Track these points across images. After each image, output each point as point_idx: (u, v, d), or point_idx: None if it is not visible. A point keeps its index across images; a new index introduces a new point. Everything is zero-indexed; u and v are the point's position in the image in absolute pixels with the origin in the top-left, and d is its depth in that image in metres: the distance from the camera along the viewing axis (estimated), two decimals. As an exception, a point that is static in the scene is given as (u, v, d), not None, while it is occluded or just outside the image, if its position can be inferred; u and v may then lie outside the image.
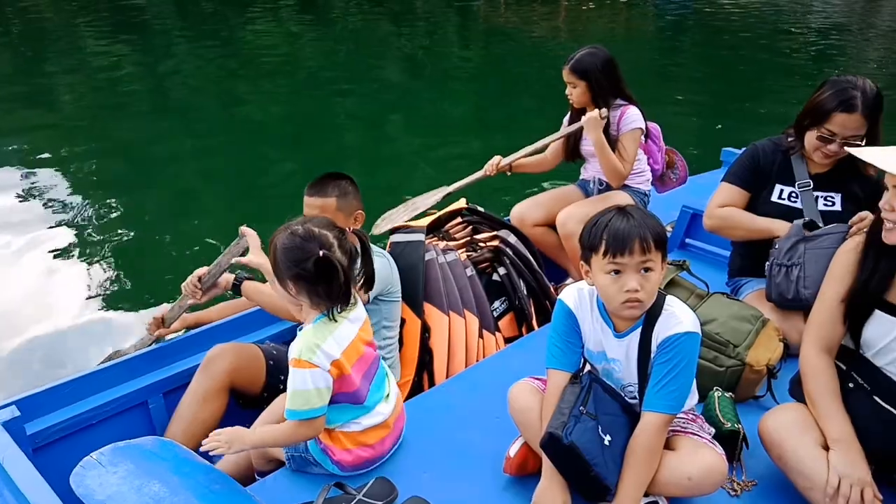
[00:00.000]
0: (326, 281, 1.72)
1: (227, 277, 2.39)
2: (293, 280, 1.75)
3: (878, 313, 1.73)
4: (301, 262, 1.71)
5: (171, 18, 14.52)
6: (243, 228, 2.20)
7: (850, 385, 1.77)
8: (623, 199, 3.39)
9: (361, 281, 2.02)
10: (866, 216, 2.19)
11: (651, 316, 1.72)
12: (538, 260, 3.10)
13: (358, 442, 1.86)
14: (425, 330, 2.66)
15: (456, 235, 3.01)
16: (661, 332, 1.69)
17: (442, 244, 2.87)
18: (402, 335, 2.62)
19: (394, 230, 2.80)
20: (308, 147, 7.24)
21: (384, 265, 2.46)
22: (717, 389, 2.08)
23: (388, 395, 1.94)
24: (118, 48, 11.29)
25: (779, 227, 2.48)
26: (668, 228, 3.42)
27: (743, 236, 2.66)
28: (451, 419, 2.11)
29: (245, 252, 2.19)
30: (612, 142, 3.23)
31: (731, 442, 1.91)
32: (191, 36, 12.70)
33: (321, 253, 1.70)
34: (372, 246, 2.51)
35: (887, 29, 14.81)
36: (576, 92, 3.21)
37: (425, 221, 2.91)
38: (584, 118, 3.11)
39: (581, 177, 3.68)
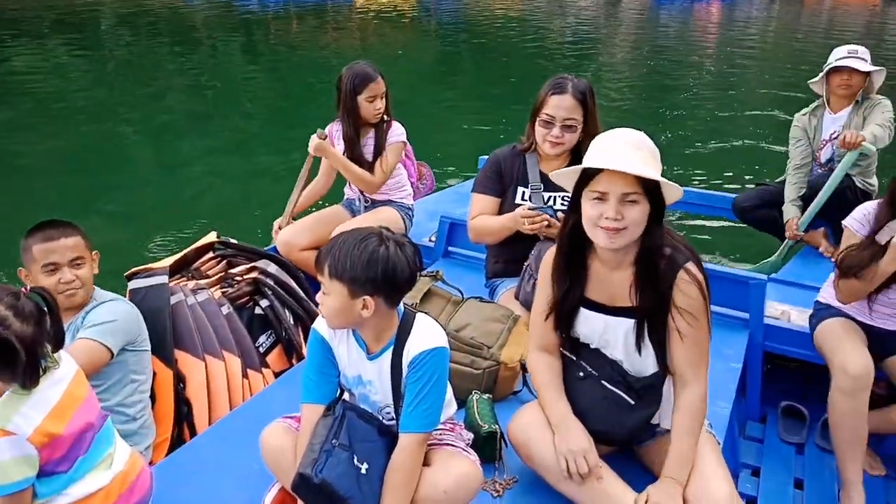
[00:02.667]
0: (5, 362, 1.47)
1: None
2: None
3: (583, 311, 1.85)
4: None
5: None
6: None
7: (581, 374, 1.87)
8: (389, 214, 3.43)
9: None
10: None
11: (401, 335, 1.70)
12: (303, 285, 3.00)
13: None
14: (179, 380, 2.44)
15: (208, 272, 2.81)
16: (411, 351, 1.68)
17: (191, 284, 2.66)
18: (152, 390, 2.38)
19: (131, 276, 2.54)
20: (87, 182, 6.48)
21: (128, 311, 2.23)
22: (475, 392, 2.12)
23: (110, 461, 1.71)
24: None
25: (507, 220, 2.61)
26: (432, 239, 3.49)
27: (494, 239, 2.77)
28: (206, 475, 1.93)
29: None
30: (380, 151, 3.34)
31: (491, 442, 1.95)
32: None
33: None
34: (107, 293, 2.27)
35: (628, 38, 16.81)
36: (384, 103, 3.32)
37: (168, 261, 2.67)
38: (313, 147, 3.26)
39: (346, 196, 3.66)
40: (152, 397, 2.37)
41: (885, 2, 22.54)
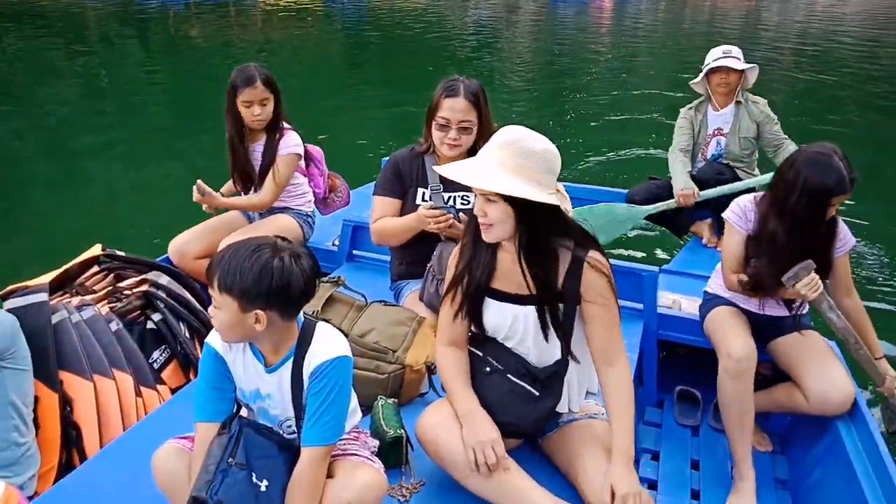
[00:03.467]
0: None
1: None
2: None
3: (489, 301, 1.88)
4: None
5: None
6: None
7: (487, 369, 1.90)
8: (286, 221, 3.35)
9: None
10: None
11: (301, 345, 1.66)
12: (199, 296, 2.88)
13: None
14: (66, 403, 2.29)
15: (94, 287, 2.65)
16: (312, 361, 1.64)
17: (75, 300, 2.50)
18: (36, 416, 2.22)
19: (6, 295, 2.36)
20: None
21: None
22: (380, 398, 2.09)
23: None
24: None
25: (411, 220, 2.60)
26: (336, 243, 3.44)
27: (398, 241, 2.75)
28: (96, 503, 1.82)
29: None
30: (271, 163, 3.22)
31: (397, 448, 1.94)
32: None
33: None
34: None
35: (529, 30, 17.21)
36: (268, 108, 3.16)
37: (48, 277, 2.51)
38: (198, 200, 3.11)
39: (243, 202, 3.54)
40: (36, 423, 2.21)
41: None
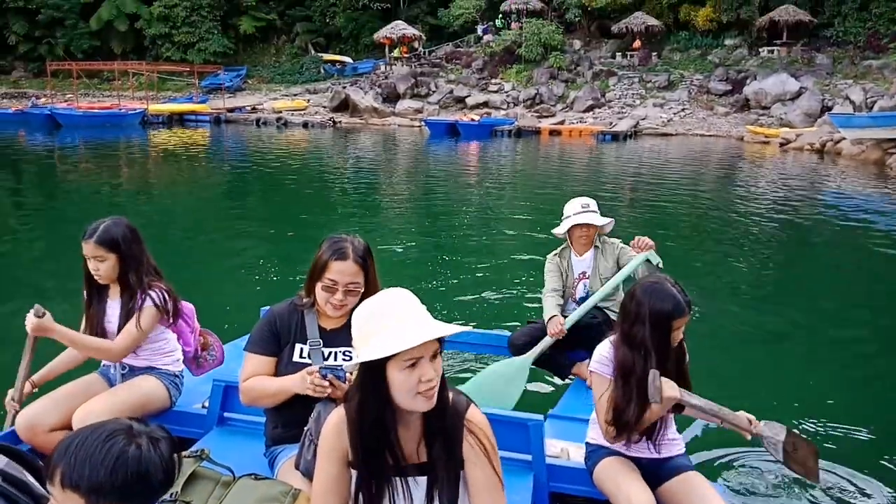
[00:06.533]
0: None
1: None
2: None
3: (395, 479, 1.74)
4: None
5: None
6: None
7: None
8: (150, 384, 3.12)
9: None
10: None
11: None
12: (43, 478, 2.53)
13: None
14: None
15: None
16: None
17: None
18: None
19: None
20: None
21: None
22: None
23: None
24: None
25: (290, 383, 2.47)
26: (205, 405, 3.19)
27: (271, 402, 2.59)
28: None
29: None
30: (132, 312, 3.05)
31: None
32: None
33: None
34: None
35: (405, 170, 17.90)
36: (105, 266, 2.96)
37: None
38: (31, 328, 2.86)
39: (102, 362, 3.27)
40: None
41: (597, 141, 27.56)
